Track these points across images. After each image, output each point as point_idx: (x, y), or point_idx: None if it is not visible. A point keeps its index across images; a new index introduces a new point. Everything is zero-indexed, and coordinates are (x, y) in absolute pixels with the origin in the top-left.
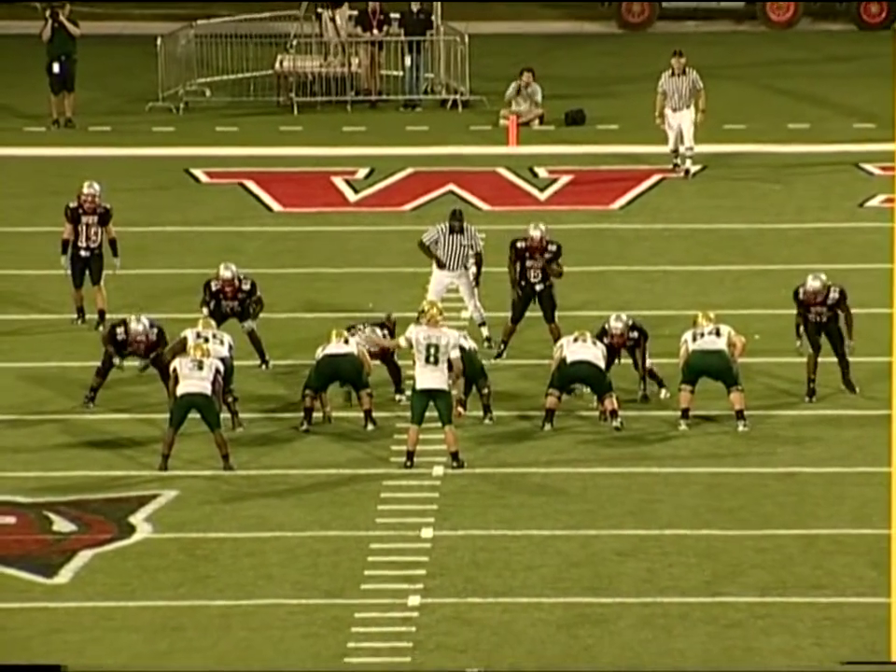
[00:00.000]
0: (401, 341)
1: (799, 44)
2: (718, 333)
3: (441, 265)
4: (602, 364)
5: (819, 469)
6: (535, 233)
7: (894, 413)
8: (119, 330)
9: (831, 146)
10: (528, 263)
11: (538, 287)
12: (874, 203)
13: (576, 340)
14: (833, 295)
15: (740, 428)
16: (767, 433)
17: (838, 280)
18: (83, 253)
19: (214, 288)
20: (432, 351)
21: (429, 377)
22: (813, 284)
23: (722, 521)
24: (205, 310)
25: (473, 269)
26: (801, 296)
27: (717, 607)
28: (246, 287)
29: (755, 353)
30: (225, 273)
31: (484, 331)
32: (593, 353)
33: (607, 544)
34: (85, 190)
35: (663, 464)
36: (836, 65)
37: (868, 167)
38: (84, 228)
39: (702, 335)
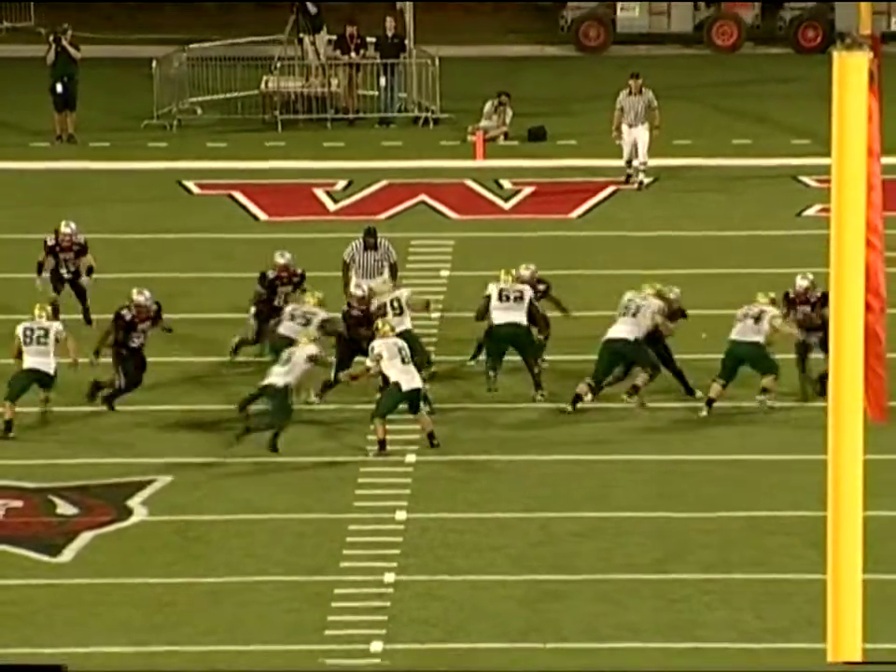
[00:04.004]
0: (369, 363)
1: (742, 66)
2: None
3: (346, 286)
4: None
5: (762, 457)
6: (524, 273)
7: (830, 406)
8: (125, 311)
9: (771, 160)
10: None
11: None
12: (810, 212)
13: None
14: (815, 293)
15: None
16: (714, 422)
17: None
18: (65, 276)
19: (271, 276)
20: (404, 353)
21: (408, 378)
22: (801, 283)
23: (671, 504)
24: (253, 309)
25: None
26: (791, 295)
27: (665, 583)
28: (299, 271)
29: (708, 349)
30: (280, 259)
31: None
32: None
33: (565, 526)
34: (62, 230)
35: (617, 452)
36: (776, 86)
37: (805, 179)
38: (63, 261)
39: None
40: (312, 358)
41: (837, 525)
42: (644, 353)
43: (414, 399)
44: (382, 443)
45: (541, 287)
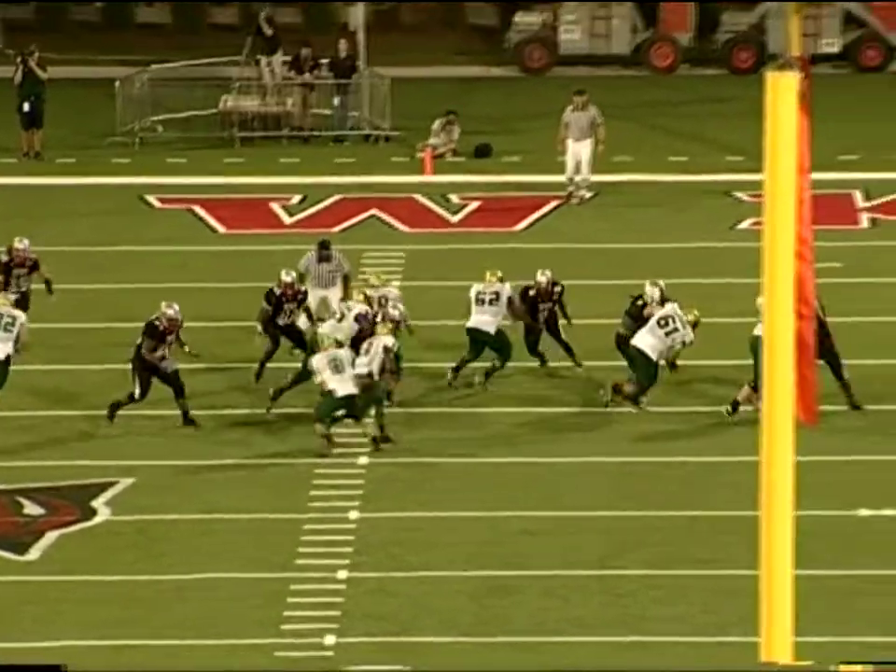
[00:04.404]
0: (316, 380)
1: (678, 86)
2: None
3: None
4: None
5: (705, 459)
6: (542, 279)
7: (763, 409)
8: (157, 323)
9: (706, 176)
10: (541, 307)
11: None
12: (744, 225)
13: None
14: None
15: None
16: (662, 425)
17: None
18: (11, 296)
19: (277, 293)
20: (335, 362)
21: (343, 385)
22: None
23: (619, 504)
24: (259, 326)
25: (340, 292)
26: None
27: (612, 579)
28: (302, 289)
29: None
30: (286, 278)
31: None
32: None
33: (516, 525)
34: (16, 245)
35: (568, 454)
36: (711, 105)
37: (739, 195)
38: (14, 279)
39: None
40: (386, 350)
41: (769, 524)
42: (651, 373)
43: (349, 405)
44: (328, 437)
45: (557, 289)
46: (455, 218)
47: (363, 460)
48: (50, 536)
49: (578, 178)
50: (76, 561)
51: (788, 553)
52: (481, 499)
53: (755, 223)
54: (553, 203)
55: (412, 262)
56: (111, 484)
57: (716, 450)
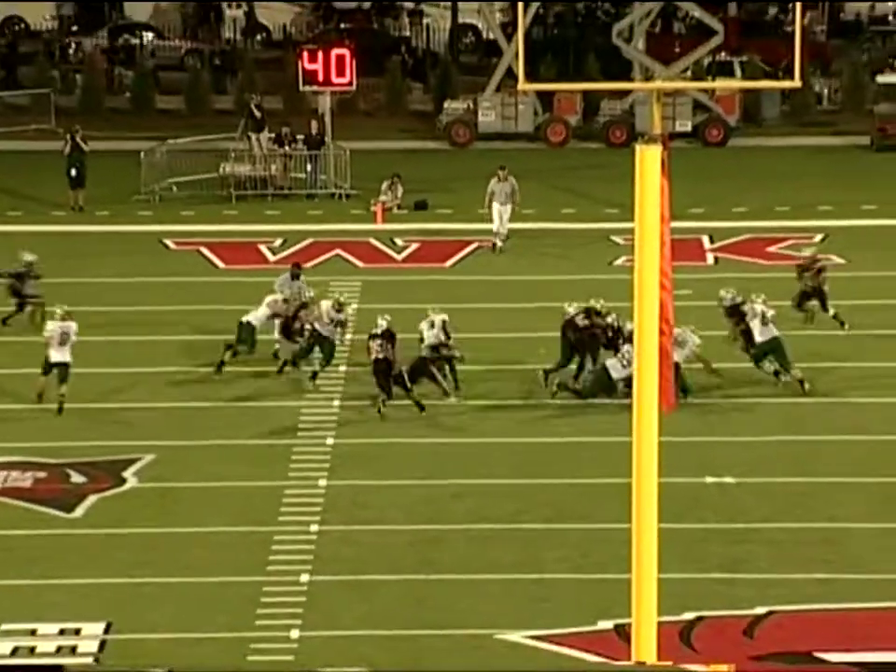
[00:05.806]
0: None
1: (569, 156)
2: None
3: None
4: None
5: (591, 439)
6: (608, 318)
7: (634, 401)
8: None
9: (590, 224)
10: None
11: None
12: (619, 262)
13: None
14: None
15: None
16: (557, 413)
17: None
18: None
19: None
20: (65, 337)
21: (60, 355)
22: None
23: (523, 473)
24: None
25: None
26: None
27: (518, 531)
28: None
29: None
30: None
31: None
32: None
33: (445, 489)
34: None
35: (486, 435)
36: (594, 171)
37: (615, 238)
38: None
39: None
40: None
41: (639, 489)
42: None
43: (61, 369)
44: (40, 396)
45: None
46: (400, 257)
47: (330, 440)
48: (91, 498)
49: (502, 230)
50: (110, 518)
51: (653, 510)
52: (420, 471)
53: (628, 260)
54: (475, 245)
55: (366, 290)
56: (137, 459)
57: (592, 432)
